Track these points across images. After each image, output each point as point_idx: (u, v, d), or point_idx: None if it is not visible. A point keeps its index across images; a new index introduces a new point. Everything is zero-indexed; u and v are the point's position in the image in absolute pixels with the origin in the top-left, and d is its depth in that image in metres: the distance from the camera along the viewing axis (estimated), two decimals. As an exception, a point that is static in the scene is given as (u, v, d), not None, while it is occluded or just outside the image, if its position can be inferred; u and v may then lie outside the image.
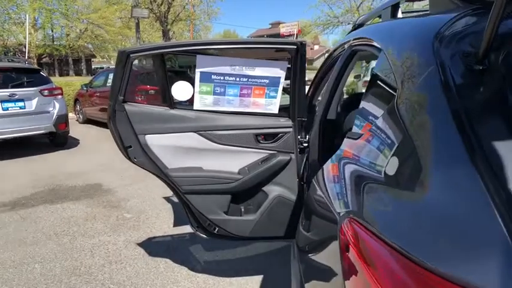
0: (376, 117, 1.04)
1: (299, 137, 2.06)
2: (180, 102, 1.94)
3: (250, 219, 2.05)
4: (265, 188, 2.04)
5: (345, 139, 1.25)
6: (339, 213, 0.90)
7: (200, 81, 1.82)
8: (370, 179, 0.87)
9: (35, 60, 22.30)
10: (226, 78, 1.83)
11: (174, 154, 1.91)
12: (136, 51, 1.72)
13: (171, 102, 1.88)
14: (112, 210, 3.85)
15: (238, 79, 1.84)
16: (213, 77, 1.82)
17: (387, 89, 1.07)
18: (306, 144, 2.15)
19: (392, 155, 0.83)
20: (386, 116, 0.96)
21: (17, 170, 5.37)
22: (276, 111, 1.96)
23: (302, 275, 1.23)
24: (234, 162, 1.98)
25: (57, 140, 6.55)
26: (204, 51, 1.81)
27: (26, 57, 9.25)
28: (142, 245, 3.10)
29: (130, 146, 1.89)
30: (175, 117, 1.88)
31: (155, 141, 1.88)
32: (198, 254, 2.92)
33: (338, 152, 1.24)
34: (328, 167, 1.25)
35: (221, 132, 1.91)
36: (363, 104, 1.23)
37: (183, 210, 2.16)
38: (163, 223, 3.51)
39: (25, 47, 12.21)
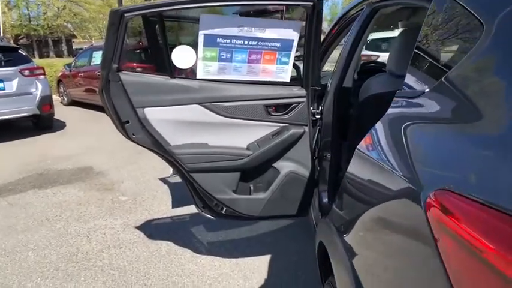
0: (445, 70, 0.90)
1: (311, 108, 1.91)
2: (182, 71, 1.75)
3: (261, 198, 1.91)
4: (276, 164, 1.89)
5: (397, 99, 1.10)
6: (420, 184, 0.75)
7: (204, 45, 1.63)
8: (463, 143, 0.73)
9: (12, 42, 21.31)
10: (233, 41, 1.64)
11: (176, 129, 1.74)
12: (131, 10, 1.52)
13: (171, 71, 1.69)
14: (106, 193, 3.68)
15: (246, 42, 1.66)
16: (219, 40, 1.63)
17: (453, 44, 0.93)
18: (318, 116, 2.00)
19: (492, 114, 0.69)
20: (468, 67, 0.82)
21: (0, 155, 5.11)
22: (288, 79, 1.80)
23: (352, 261, 1.09)
24: (242, 137, 1.82)
25: (42, 122, 6.26)
26: (208, 10, 1.61)
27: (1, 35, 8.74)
28: (141, 228, 2.96)
29: (127, 121, 1.71)
30: (176, 87, 1.69)
31: (155, 115, 1.70)
32: (200, 235, 2.80)
33: (389, 116, 1.09)
34: (383, 133, 1.09)
35: (228, 104, 1.75)
36: (416, 63, 1.08)
37: (187, 190, 2.01)
38: (160, 204, 3.36)
39: None
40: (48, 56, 24.14)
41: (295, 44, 1.68)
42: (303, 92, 1.83)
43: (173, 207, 3.29)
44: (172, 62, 1.67)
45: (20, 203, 3.50)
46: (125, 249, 2.65)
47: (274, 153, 1.85)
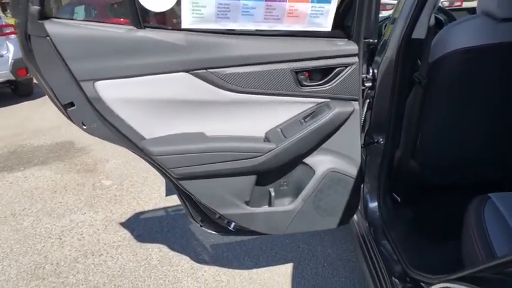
0: None
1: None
2: (157, 16, 1.05)
3: (287, 211, 1.28)
4: (309, 160, 1.25)
5: None
6: None
7: (191, -32, 0.92)
8: None
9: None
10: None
11: (152, 114, 1.08)
12: None
13: (138, 17, 0.99)
14: (87, 176, 3.07)
15: None
16: None
17: None
18: (369, 84, 1.32)
19: None
20: None
21: (-30, 129, 4.46)
22: (329, 27, 1.10)
23: None
24: (258, 122, 1.17)
25: (19, 89, 5.56)
26: None
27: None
28: (127, 225, 2.38)
29: (71, 104, 1.04)
30: (147, 45, 1.01)
31: (115, 93, 1.03)
32: (201, 234, 2.22)
33: None
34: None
35: (233, 71, 1.08)
36: None
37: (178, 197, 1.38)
38: (152, 191, 2.77)
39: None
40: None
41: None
42: (352, 47, 1.15)
43: (167, 194, 2.70)
44: (138, 1, 0.98)
45: (-17, 192, 2.91)
46: (105, 257, 2.08)
47: (307, 144, 1.20)
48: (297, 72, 1.13)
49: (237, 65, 1.08)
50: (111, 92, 1.03)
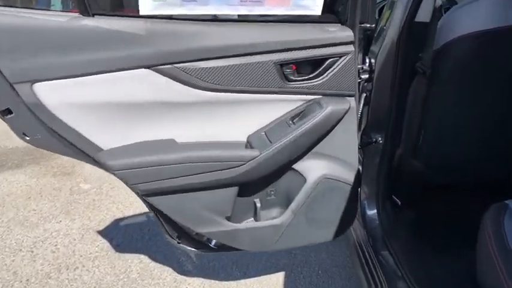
0: None
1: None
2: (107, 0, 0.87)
3: (275, 225, 1.12)
4: (299, 166, 1.09)
5: None
6: None
7: None
8: None
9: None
10: None
11: (108, 119, 0.90)
12: None
13: (85, 2, 0.80)
14: (64, 180, 2.87)
15: None
16: None
17: None
18: (365, 76, 1.15)
19: None
20: None
21: None
22: (319, 10, 0.93)
23: None
24: (238, 125, 1.00)
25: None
26: None
27: None
28: (105, 233, 2.20)
29: (9, 111, 0.85)
30: (98, 36, 0.82)
31: (60, 95, 0.85)
32: (186, 242, 2.04)
33: None
34: None
35: (205, 65, 0.90)
36: None
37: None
38: (133, 194, 2.54)
39: None
40: None
41: None
42: (346, 33, 0.98)
43: (150, 198, 2.50)
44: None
45: (-50, 201, 2.69)
46: (81, 270, 1.91)
47: (296, 149, 1.04)
48: (282, 65, 0.96)
49: (209, 58, 0.90)
50: (54, 95, 0.84)
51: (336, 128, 1.05)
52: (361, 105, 1.24)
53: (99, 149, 0.91)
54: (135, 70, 0.86)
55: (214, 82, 0.91)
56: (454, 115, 1.30)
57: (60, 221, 2.35)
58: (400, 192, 1.45)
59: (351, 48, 0.99)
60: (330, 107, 1.00)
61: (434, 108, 1.27)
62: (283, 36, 0.94)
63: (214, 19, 0.91)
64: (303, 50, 0.96)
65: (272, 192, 1.15)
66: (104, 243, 2.11)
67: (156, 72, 0.87)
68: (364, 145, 1.26)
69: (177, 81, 0.89)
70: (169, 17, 0.87)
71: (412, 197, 1.47)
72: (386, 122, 1.23)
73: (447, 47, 1.13)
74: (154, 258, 1.97)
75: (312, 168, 1.10)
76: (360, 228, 1.38)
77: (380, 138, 1.27)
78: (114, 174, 0.92)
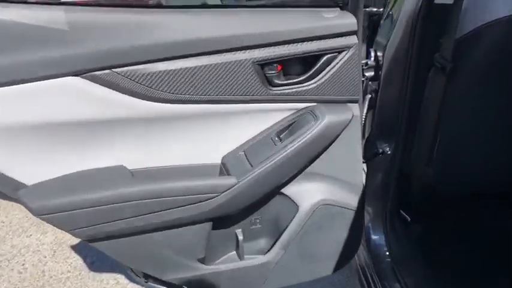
0: None
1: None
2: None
3: (262, 264, 0.90)
4: (289, 190, 0.86)
5: None
6: None
7: None
8: None
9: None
10: None
11: (26, 145, 0.65)
12: None
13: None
14: (38, 186, 2.62)
15: None
16: None
17: None
18: (368, 74, 0.92)
19: None
20: None
21: None
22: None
23: None
24: (208, 145, 0.77)
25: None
26: None
27: None
28: (79, 249, 1.98)
29: None
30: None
31: None
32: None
33: None
34: None
35: (159, 67, 0.66)
36: None
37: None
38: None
39: None
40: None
41: None
42: (348, 20, 0.74)
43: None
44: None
45: None
46: (51, 295, 1.69)
47: (285, 172, 0.81)
48: (263, 64, 0.72)
49: (162, 59, 0.66)
50: None
51: (335, 142, 0.82)
52: (365, 108, 1.02)
53: (20, 186, 0.68)
54: (58, 79, 0.62)
55: (170, 91, 0.68)
56: (476, 117, 1.08)
57: (31, 235, 2.12)
58: (409, 207, 1.24)
59: (353, 40, 0.75)
60: (328, 118, 0.77)
61: (454, 110, 1.05)
62: (264, 26, 0.71)
63: (169, 4, 0.67)
64: (290, 45, 0.72)
65: (257, 221, 0.93)
66: (77, 261, 1.89)
67: (88, 80, 0.63)
68: (370, 158, 1.03)
69: (118, 91, 0.65)
70: (103, 4, 0.63)
71: (423, 212, 1.26)
72: (397, 128, 1.01)
73: (474, 35, 0.90)
74: (131, 278, 1.75)
75: (306, 192, 0.87)
76: (363, 251, 1.17)
77: (388, 149, 1.05)
78: (41, 218, 0.69)
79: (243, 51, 0.70)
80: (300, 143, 0.76)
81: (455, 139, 1.13)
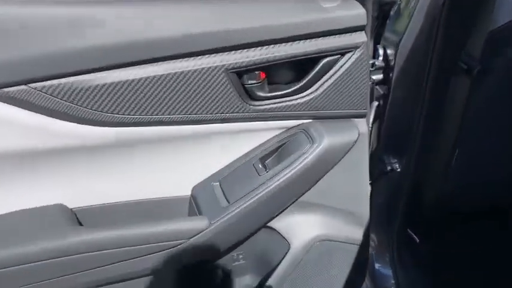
0: None
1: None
2: None
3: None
4: (278, 224, 0.69)
5: None
6: None
7: None
8: None
9: None
10: None
11: None
12: None
13: None
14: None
15: None
16: None
17: None
18: (379, 76, 0.74)
19: None
20: None
21: None
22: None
23: None
24: (174, 174, 0.59)
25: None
26: None
27: None
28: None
29: None
30: None
31: None
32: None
33: None
34: None
35: (96, 80, 0.48)
36: None
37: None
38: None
39: None
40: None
41: None
42: (354, 12, 0.55)
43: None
44: None
45: None
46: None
47: (271, 206, 0.63)
48: (240, 72, 0.54)
49: (103, 68, 0.48)
50: None
51: (336, 166, 0.65)
52: (371, 118, 0.84)
53: None
54: None
55: (114, 110, 0.50)
56: (503, 126, 0.91)
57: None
58: (419, 225, 1.08)
59: (361, 37, 0.57)
60: (327, 140, 0.60)
61: (478, 118, 0.87)
62: (239, 20, 0.52)
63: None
64: (277, 45, 0.54)
65: (240, 256, 0.76)
66: None
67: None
68: (376, 178, 0.86)
69: (39, 112, 0.48)
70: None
71: (434, 230, 1.11)
72: (410, 141, 0.84)
73: (508, 29, 0.72)
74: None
75: (299, 226, 0.70)
76: (367, 282, 1.01)
77: (397, 165, 0.88)
78: None
79: (212, 55, 0.52)
80: (290, 173, 0.59)
81: (477, 150, 0.96)
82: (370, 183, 0.84)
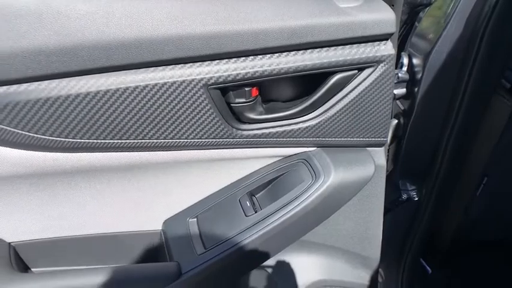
0: None
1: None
2: None
3: None
4: (271, 266, 0.55)
5: None
6: None
7: None
8: None
9: None
10: None
11: None
12: None
13: None
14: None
15: None
16: None
17: None
18: (401, 91, 0.60)
19: None
20: None
21: None
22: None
23: None
24: (139, 206, 0.47)
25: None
26: None
27: None
28: None
29: None
30: None
31: None
32: None
33: None
34: None
35: (42, 94, 0.35)
36: None
37: None
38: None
39: None
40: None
41: None
42: (381, 15, 0.41)
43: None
44: None
45: None
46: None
47: (258, 255, 0.51)
48: (225, 88, 0.41)
49: (48, 76, 0.36)
50: None
51: (344, 206, 0.52)
52: (389, 138, 0.71)
53: None
54: None
55: (61, 134, 0.38)
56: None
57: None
58: (431, 255, 0.96)
59: (386, 49, 0.44)
60: (335, 175, 0.47)
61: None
62: (225, 22, 0.39)
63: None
64: (274, 56, 0.41)
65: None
66: None
67: None
68: (390, 208, 0.74)
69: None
70: None
71: (448, 260, 0.98)
72: (435, 168, 0.70)
73: None
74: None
75: (299, 269, 0.58)
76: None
77: (415, 193, 0.75)
78: None
79: (186, 65, 0.39)
80: (286, 216, 0.47)
81: (504, 179, 0.83)
82: (385, 214, 0.71)
